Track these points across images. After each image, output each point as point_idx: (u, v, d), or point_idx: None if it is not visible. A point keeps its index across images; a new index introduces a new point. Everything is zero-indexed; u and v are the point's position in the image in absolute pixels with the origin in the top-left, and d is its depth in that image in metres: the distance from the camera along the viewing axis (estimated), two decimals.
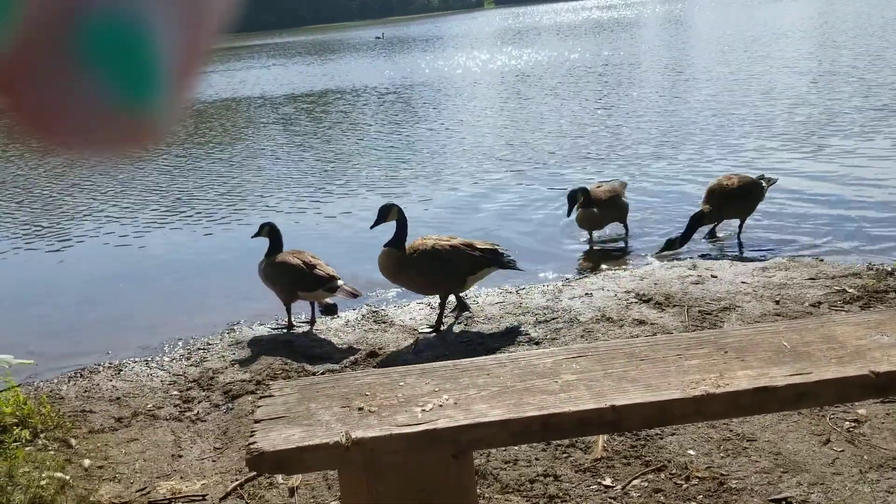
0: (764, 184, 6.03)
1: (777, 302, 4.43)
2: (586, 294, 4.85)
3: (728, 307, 4.42)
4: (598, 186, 6.08)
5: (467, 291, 4.80)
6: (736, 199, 5.81)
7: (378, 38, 50.20)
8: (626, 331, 4.23)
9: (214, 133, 15.01)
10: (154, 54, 0.36)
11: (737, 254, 5.74)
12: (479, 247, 4.50)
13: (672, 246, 5.76)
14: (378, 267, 4.52)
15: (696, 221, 5.76)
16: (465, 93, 17.63)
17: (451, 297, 4.73)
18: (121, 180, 10.68)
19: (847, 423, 3.08)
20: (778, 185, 7.15)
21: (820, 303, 4.36)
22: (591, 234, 6.12)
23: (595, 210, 5.85)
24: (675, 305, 4.52)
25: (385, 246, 4.47)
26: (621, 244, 6.15)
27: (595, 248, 6.11)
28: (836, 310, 4.24)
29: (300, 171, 10.32)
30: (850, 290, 4.48)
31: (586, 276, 5.32)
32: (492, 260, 4.51)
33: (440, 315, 4.54)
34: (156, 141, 0.39)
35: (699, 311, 4.39)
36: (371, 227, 4.70)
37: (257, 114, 17.15)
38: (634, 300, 4.67)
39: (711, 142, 9.47)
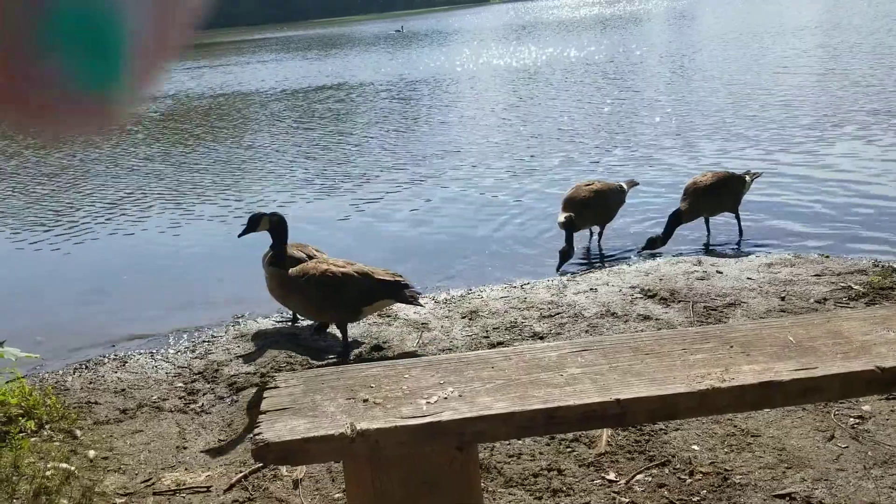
0: (748, 178, 6.02)
1: (782, 298, 4.42)
2: (591, 289, 4.84)
3: (733, 303, 4.41)
4: (589, 184, 5.99)
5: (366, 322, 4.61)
6: (710, 194, 5.80)
7: (397, 31, 49.45)
8: (630, 326, 4.22)
9: (219, 127, 15.02)
10: (119, 42, 0.36)
11: (742, 250, 5.73)
12: (376, 276, 4.19)
13: (653, 245, 5.75)
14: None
15: (674, 220, 5.76)
16: (470, 90, 17.61)
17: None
18: (126, 173, 10.70)
19: (851, 419, 3.07)
20: (784, 182, 7.14)
21: (825, 299, 4.35)
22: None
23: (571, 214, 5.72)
24: (680, 301, 4.52)
25: (269, 265, 4.27)
26: (604, 246, 6.08)
27: (593, 247, 6.09)
28: (841, 306, 4.23)
29: (303, 165, 10.32)
30: (855, 287, 4.47)
31: (591, 272, 5.31)
32: (388, 292, 4.20)
33: (344, 338, 4.31)
34: (114, 124, 0.39)
35: (704, 307, 4.39)
36: (239, 236, 4.45)
37: (262, 109, 17.15)
38: (639, 296, 4.66)
39: (716, 139, 9.45)
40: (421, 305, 4.51)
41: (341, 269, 4.19)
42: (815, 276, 4.74)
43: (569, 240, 5.61)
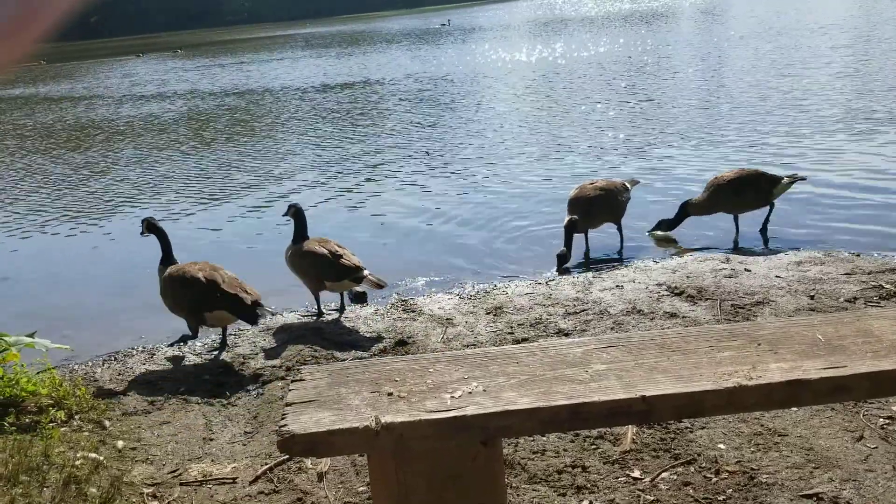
0: (786, 180, 5.94)
1: (812, 297, 4.37)
2: (617, 286, 4.82)
3: (761, 301, 4.36)
4: (592, 183, 5.93)
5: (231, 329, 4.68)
6: (729, 191, 5.76)
7: (444, 24, 48.74)
8: (657, 323, 4.19)
9: (244, 123, 15.12)
10: None
11: (771, 247, 5.66)
12: (222, 288, 4.24)
13: (660, 227, 5.86)
14: None
15: (683, 209, 5.79)
16: (501, 85, 17.57)
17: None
18: (153, 169, 10.81)
19: (881, 419, 3.03)
20: (815, 180, 7.04)
21: (856, 298, 4.29)
22: (586, 235, 5.97)
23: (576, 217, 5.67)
24: (707, 299, 4.48)
25: (160, 263, 4.63)
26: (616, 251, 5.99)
27: (615, 244, 6.04)
28: (872, 305, 4.17)
29: (327, 159, 10.35)
30: (886, 286, 4.40)
31: (617, 269, 5.28)
32: (224, 305, 4.23)
33: (194, 335, 4.56)
34: None
35: (732, 305, 4.35)
36: (141, 235, 4.89)
37: (286, 106, 17.24)
38: (666, 293, 4.63)
39: (745, 137, 9.35)
40: (256, 325, 4.39)
41: (194, 273, 4.33)
42: (846, 274, 4.67)
43: (567, 242, 5.61)
